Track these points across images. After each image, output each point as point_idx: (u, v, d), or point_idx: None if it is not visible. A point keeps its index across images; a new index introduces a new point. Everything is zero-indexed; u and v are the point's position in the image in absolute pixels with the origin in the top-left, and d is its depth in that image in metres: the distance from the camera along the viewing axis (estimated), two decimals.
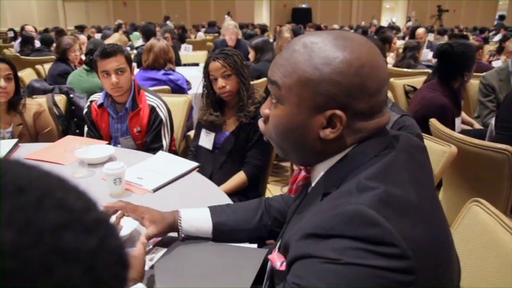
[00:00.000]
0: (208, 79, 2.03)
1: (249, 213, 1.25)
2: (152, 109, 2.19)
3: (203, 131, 2.13)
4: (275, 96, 0.83)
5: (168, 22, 11.19)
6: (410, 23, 15.99)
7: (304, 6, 18.86)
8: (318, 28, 9.51)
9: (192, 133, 3.15)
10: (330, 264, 0.64)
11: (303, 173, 0.92)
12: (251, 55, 3.98)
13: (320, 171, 0.84)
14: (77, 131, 2.97)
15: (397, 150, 0.79)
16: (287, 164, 3.81)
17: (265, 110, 0.88)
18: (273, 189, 3.33)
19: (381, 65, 0.78)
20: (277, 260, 0.85)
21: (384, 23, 18.91)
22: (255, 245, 1.23)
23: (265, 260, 1.10)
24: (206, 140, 2.10)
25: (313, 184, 0.88)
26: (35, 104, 2.31)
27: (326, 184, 0.80)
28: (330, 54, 0.75)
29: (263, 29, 9.56)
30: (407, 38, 9.85)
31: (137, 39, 7.59)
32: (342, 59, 0.75)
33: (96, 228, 0.32)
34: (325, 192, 0.79)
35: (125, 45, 5.01)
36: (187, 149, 2.92)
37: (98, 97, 2.26)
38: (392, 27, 11.52)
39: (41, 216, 0.30)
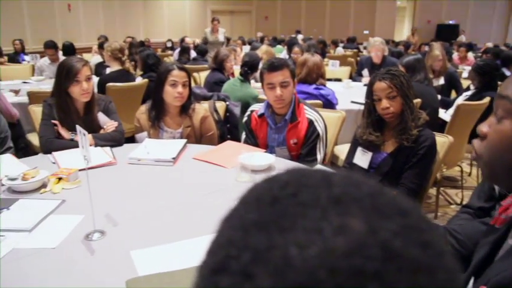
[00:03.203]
0: (371, 98, 2.00)
1: None
2: (310, 122, 2.23)
3: (359, 150, 2.10)
4: (504, 111, 0.80)
5: (299, 36, 11.43)
6: None
7: (451, 22, 17.55)
8: (469, 46, 8.74)
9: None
10: None
11: None
12: None
13: None
14: (228, 136, 3.18)
15: None
16: (431, 191, 3.55)
17: (483, 128, 0.86)
18: None
19: None
20: None
21: None
22: None
23: None
24: (362, 159, 2.07)
25: None
26: (203, 109, 2.53)
27: None
28: None
29: (407, 45, 9.16)
30: None
31: (280, 52, 7.87)
32: None
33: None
34: None
35: (272, 57, 5.23)
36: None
37: (259, 107, 2.39)
38: None
39: (435, 238, 0.31)
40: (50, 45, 5.81)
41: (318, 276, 0.27)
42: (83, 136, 1.36)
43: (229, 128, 3.24)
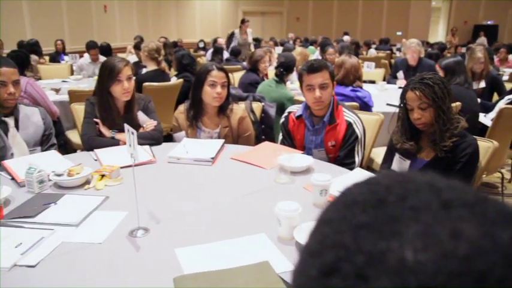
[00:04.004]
0: (405, 107, 1.96)
1: None
2: (349, 125, 2.21)
3: (397, 157, 2.06)
4: None
5: (345, 37, 11.34)
6: None
7: (489, 23, 16.99)
8: (510, 47, 8.42)
9: None
10: None
11: None
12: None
13: None
14: (263, 137, 3.18)
15: None
16: None
17: None
18: None
19: None
20: None
21: None
22: None
23: None
24: (400, 167, 2.03)
25: None
26: (240, 109, 2.54)
27: None
28: None
29: (442, 47, 8.92)
30: None
31: (312, 53, 7.82)
32: None
33: None
34: None
35: (306, 58, 5.23)
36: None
37: (296, 108, 2.38)
38: None
39: None
40: (93, 46, 6.06)
41: (438, 280, 0.27)
42: (131, 135, 1.39)
43: (264, 129, 3.25)
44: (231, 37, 8.90)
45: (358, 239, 0.30)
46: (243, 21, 9.13)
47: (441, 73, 3.70)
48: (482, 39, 14.28)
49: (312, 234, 0.35)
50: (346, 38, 10.86)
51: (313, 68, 2.15)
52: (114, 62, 2.36)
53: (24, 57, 3.96)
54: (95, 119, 2.39)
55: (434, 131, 1.91)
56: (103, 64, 2.42)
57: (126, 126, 1.43)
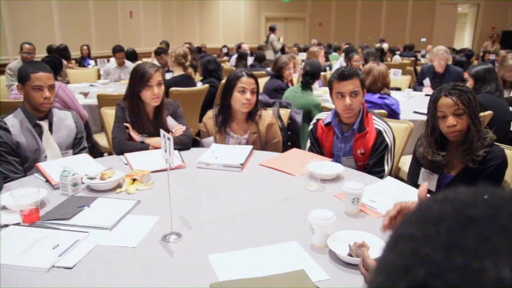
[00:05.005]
0: (435, 115, 1.91)
1: None
2: (379, 133, 2.18)
3: (423, 172, 2.01)
4: None
5: (384, 44, 11.29)
6: None
7: None
8: None
9: None
10: None
11: None
12: (469, 84, 3.65)
13: None
14: (289, 143, 3.18)
15: None
16: None
17: None
18: None
19: None
20: None
21: None
22: None
23: None
24: (427, 181, 1.99)
25: None
26: (269, 116, 2.55)
27: None
28: None
29: (468, 54, 8.75)
30: None
31: (336, 60, 7.77)
32: None
33: None
34: None
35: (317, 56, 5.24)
36: None
37: (325, 116, 2.37)
38: None
39: None
40: (119, 49, 6.22)
41: None
42: (167, 140, 1.41)
43: (290, 135, 3.24)
44: (268, 41, 9.18)
45: (449, 256, 0.30)
46: (274, 28, 9.50)
47: (471, 81, 3.63)
48: (488, 44, 14.06)
49: (391, 249, 0.34)
50: (385, 45, 10.81)
51: (343, 75, 2.13)
52: (145, 67, 2.40)
53: (57, 62, 4.06)
54: (125, 123, 2.43)
55: (465, 140, 1.87)
56: (134, 69, 2.46)
57: (162, 132, 1.44)
